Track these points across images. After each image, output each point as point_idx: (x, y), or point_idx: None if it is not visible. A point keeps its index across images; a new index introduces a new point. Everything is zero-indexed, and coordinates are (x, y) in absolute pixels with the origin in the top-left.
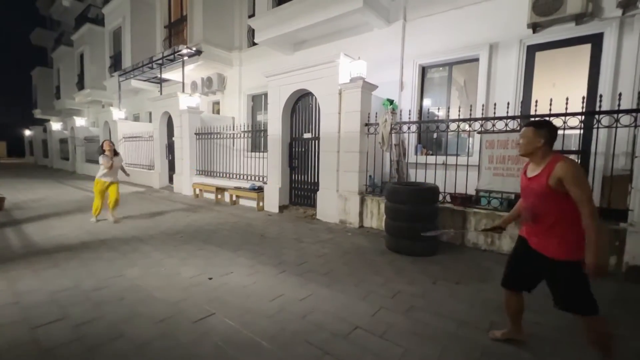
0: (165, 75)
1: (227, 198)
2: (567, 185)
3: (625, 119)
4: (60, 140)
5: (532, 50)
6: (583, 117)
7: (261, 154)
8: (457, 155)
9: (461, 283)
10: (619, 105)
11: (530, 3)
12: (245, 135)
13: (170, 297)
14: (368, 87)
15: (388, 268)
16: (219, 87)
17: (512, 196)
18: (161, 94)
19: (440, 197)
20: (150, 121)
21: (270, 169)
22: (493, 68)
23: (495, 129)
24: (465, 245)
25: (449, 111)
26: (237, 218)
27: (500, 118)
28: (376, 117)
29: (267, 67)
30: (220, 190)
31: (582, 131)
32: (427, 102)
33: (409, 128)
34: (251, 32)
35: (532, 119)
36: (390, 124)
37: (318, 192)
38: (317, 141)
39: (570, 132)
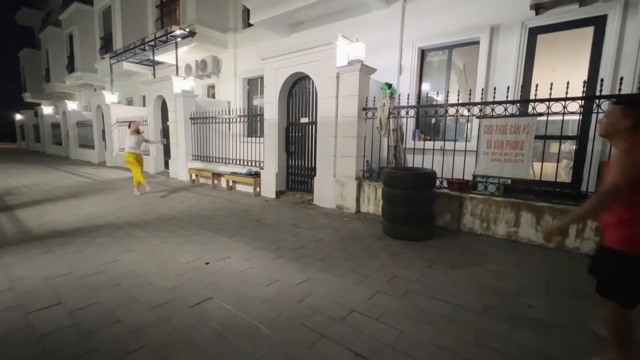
0: (158, 58)
1: (223, 183)
2: None
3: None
4: (52, 124)
5: (534, 33)
6: (583, 102)
7: (258, 139)
8: (455, 140)
9: (456, 267)
10: (619, 90)
11: None
12: (241, 120)
13: (166, 282)
14: (366, 71)
15: (384, 253)
16: (213, 70)
17: (509, 181)
18: (154, 77)
19: (438, 183)
20: (144, 105)
21: (267, 154)
22: (493, 51)
23: (494, 113)
24: (461, 229)
25: (447, 96)
26: (233, 204)
27: (500, 102)
28: (374, 101)
29: (263, 50)
30: (216, 175)
31: (581, 116)
32: (425, 87)
33: (407, 113)
34: (246, 13)
35: (623, 96)
36: (388, 109)
37: (315, 178)
38: (314, 126)
39: (569, 117)
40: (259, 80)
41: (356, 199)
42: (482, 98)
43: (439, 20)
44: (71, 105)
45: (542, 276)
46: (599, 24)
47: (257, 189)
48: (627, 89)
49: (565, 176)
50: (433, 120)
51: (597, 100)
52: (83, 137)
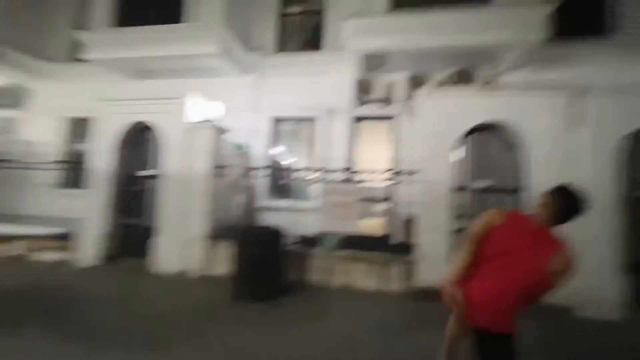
0: None
1: (21, 250)
2: None
3: (410, 178)
4: None
5: (357, 120)
6: (389, 174)
7: (78, 191)
8: (297, 200)
9: (303, 324)
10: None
11: (355, 84)
12: (58, 167)
13: None
14: (219, 130)
15: (231, 317)
16: (16, 101)
17: (342, 237)
18: None
19: (288, 240)
20: None
21: (91, 210)
22: (330, 129)
23: (331, 179)
24: (308, 283)
25: (292, 161)
26: (34, 278)
27: (336, 171)
28: (226, 160)
29: (99, 90)
30: (5, 240)
31: (389, 184)
32: (278, 150)
33: (257, 173)
34: (77, 46)
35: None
36: (241, 168)
37: (155, 238)
38: (156, 180)
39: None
40: (88, 122)
41: (205, 261)
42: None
43: (290, 97)
44: None
45: (371, 321)
46: (394, 120)
47: (74, 255)
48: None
49: (382, 231)
50: (284, 181)
51: (396, 175)
52: None
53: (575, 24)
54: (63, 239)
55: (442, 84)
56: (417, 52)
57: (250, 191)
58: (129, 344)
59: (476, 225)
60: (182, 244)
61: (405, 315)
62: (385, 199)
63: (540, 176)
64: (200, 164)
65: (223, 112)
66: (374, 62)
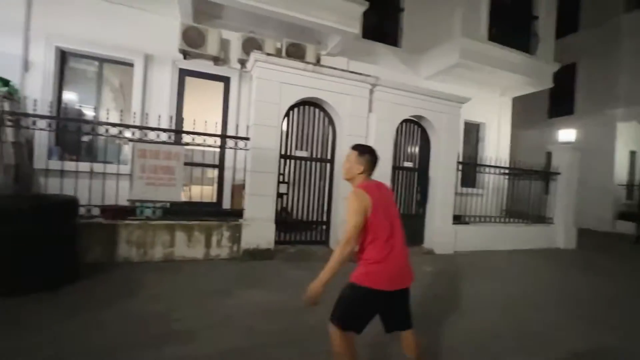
0: None
1: None
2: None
3: (241, 144)
4: None
5: (183, 74)
6: (219, 138)
7: None
8: (105, 162)
9: (108, 307)
10: (236, 133)
11: (180, 31)
12: None
13: None
14: None
15: None
16: None
17: (168, 205)
18: None
19: (84, 211)
20: None
21: None
22: (149, 79)
23: (147, 138)
24: (116, 261)
25: (93, 112)
26: None
27: (155, 129)
28: None
29: None
30: None
31: (220, 149)
32: (70, 97)
33: (34, 123)
34: None
35: (358, 144)
36: (6, 114)
37: None
38: None
39: (212, 149)
40: None
41: None
42: (133, 121)
43: (86, 24)
44: None
45: (192, 287)
46: (226, 82)
47: None
48: (243, 132)
49: (212, 197)
50: (82, 138)
51: (225, 139)
52: None
53: (376, 31)
54: None
55: (276, 51)
56: (251, 11)
57: (21, 148)
58: None
59: (354, 217)
60: None
61: (229, 278)
62: (215, 165)
63: (344, 150)
64: None
65: None
66: (206, 9)
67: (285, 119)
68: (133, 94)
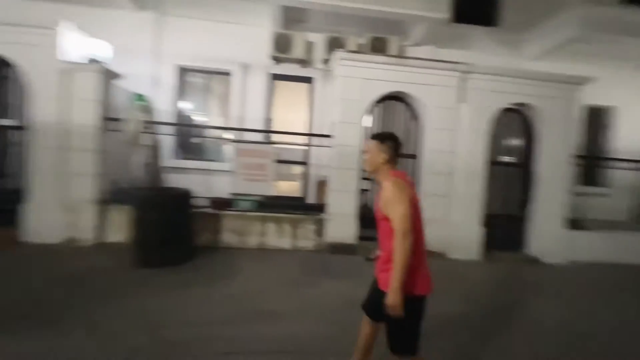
0: None
1: None
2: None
3: (325, 142)
4: None
5: (272, 78)
6: (305, 137)
7: None
8: (213, 161)
9: (213, 285)
10: (320, 131)
11: (273, 39)
12: None
13: None
14: (109, 74)
15: (132, 287)
16: None
17: (261, 198)
18: None
19: (199, 202)
20: None
21: None
22: (244, 85)
23: (245, 139)
24: (219, 246)
25: (202, 118)
26: None
27: (251, 130)
28: (120, 111)
29: None
30: None
31: (305, 147)
32: (187, 105)
33: (161, 130)
34: None
35: (376, 132)
36: (141, 123)
37: (26, 204)
38: (25, 132)
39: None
40: None
41: (97, 228)
42: (233, 125)
43: (197, 43)
44: None
45: (280, 274)
46: (311, 82)
47: None
48: (326, 131)
49: (298, 192)
50: (194, 140)
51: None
52: None
53: (468, 12)
54: None
55: (359, 48)
56: (334, 11)
57: (153, 150)
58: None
59: (400, 206)
60: (63, 210)
61: (314, 268)
62: (301, 162)
63: (431, 145)
64: (83, 114)
65: (110, 53)
66: (293, 15)
67: (369, 114)
68: (232, 100)
